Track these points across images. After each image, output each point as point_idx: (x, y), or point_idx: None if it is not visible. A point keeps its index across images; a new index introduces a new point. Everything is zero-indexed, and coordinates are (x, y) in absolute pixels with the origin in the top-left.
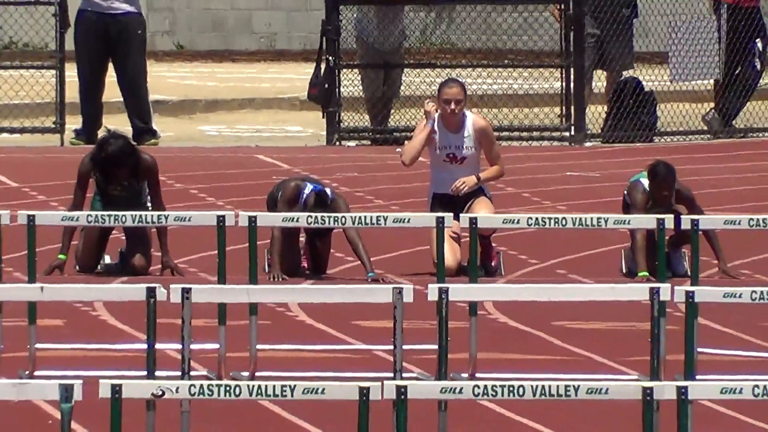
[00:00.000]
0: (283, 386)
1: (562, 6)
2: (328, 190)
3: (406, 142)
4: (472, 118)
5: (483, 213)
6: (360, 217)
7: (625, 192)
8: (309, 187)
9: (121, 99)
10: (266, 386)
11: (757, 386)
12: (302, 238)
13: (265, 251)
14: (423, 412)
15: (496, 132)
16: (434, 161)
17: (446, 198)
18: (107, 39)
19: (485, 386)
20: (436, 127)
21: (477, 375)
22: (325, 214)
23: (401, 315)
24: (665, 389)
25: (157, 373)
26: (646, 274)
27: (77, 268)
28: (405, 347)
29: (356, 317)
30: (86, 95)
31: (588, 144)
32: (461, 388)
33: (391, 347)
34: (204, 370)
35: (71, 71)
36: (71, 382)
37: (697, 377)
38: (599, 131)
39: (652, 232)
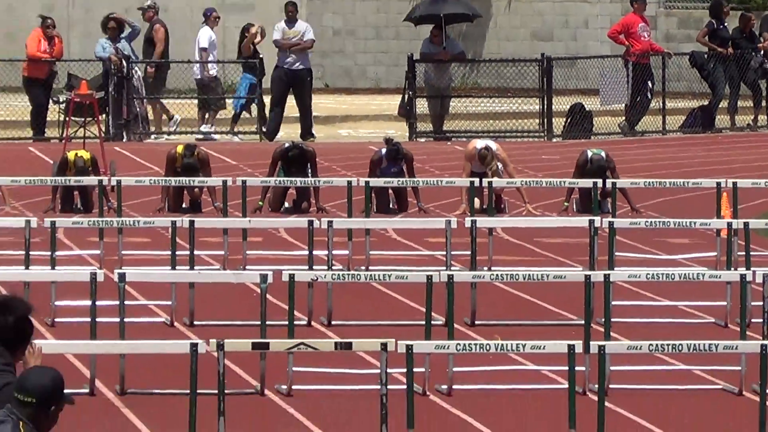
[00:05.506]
0: (384, 274)
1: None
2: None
3: (453, 138)
4: (496, 149)
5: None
6: (427, 181)
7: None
8: (383, 151)
9: (297, 116)
10: (375, 274)
11: (648, 273)
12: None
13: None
14: (462, 290)
15: (501, 134)
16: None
17: (475, 174)
18: (289, 83)
19: (497, 275)
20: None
21: (493, 268)
22: (410, 179)
23: (450, 235)
24: (597, 276)
25: (314, 267)
26: (567, 204)
27: (269, 209)
28: (452, 252)
29: (424, 236)
30: (274, 114)
31: (554, 140)
32: (484, 276)
33: (444, 252)
34: (340, 266)
35: (266, 101)
36: (266, 273)
37: (615, 269)
38: (561, 132)
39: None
